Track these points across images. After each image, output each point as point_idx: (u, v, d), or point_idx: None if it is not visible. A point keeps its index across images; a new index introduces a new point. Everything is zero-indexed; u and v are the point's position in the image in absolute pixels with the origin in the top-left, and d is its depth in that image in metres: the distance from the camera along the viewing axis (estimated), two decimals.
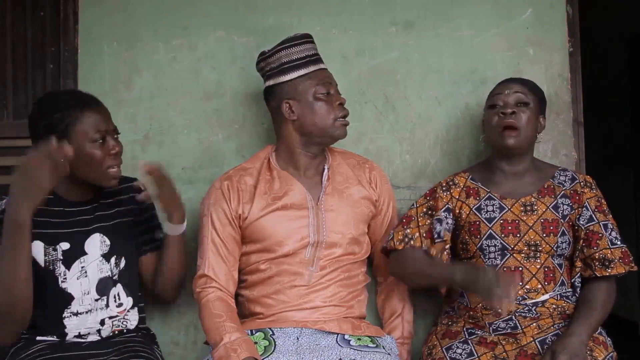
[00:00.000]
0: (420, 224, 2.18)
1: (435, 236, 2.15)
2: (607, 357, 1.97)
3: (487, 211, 2.12)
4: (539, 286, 2.06)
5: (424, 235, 2.16)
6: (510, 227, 2.09)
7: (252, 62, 2.26)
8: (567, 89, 2.45)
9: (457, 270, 2.00)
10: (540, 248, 2.07)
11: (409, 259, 2.14)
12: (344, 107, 2.15)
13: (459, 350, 2.01)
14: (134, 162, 2.44)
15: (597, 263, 2.07)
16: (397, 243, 2.17)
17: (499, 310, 1.91)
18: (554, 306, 2.06)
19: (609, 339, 2.06)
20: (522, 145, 2.11)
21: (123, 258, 2.09)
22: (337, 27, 2.46)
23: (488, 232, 2.10)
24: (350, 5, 2.46)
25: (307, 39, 2.17)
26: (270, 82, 2.17)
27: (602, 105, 4.65)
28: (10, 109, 2.50)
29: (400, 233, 2.18)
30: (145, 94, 2.46)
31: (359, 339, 2.05)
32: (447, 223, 2.16)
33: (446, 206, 2.18)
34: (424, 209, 2.20)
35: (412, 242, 2.15)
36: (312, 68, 2.13)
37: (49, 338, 2.00)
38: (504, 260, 2.08)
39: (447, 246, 2.18)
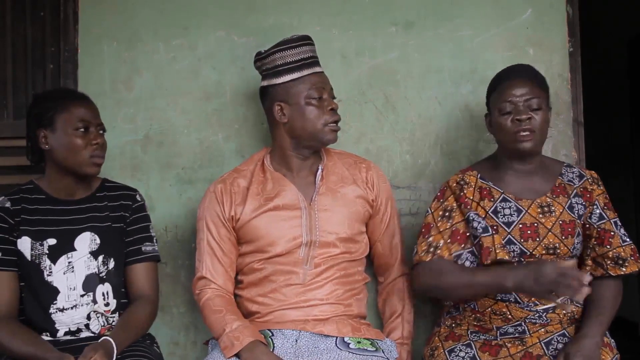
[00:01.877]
0: (441, 230, 2.07)
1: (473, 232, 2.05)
2: (613, 359, 1.96)
3: (504, 215, 2.04)
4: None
5: (449, 240, 2.06)
6: (529, 232, 2.02)
7: (252, 62, 2.26)
8: (567, 89, 2.45)
9: (509, 276, 1.88)
10: (558, 251, 2.02)
11: (446, 272, 2.01)
12: (335, 113, 2.14)
13: (461, 354, 1.99)
14: (134, 162, 2.44)
15: (609, 262, 2.03)
16: (423, 254, 2.07)
17: (564, 307, 1.85)
18: (563, 312, 2.03)
19: (612, 340, 2.05)
20: (538, 147, 2.06)
21: (112, 259, 2.11)
22: (337, 27, 2.46)
23: (507, 238, 2.02)
24: (350, 5, 2.46)
25: (304, 41, 2.16)
26: (265, 83, 2.18)
27: (602, 105, 4.65)
28: (10, 109, 2.50)
29: (423, 244, 2.08)
30: (145, 94, 2.46)
31: (359, 342, 2.05)
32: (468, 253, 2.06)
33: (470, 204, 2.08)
34: (440, 212, 2.10)
35: (438, 252, 2.05)
36: (305, 72, 2.12)
37: (43, 337, 2.02)
38: None
39: (469, 250, 2.06)
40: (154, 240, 2.19)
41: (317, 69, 2.16)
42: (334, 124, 2.14)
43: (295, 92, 2.12)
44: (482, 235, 2.02)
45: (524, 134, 2.00)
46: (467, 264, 2.04)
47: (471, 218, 2.05)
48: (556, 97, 2.41)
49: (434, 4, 2.46)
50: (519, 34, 2.45)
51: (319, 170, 2.20)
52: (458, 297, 2.09)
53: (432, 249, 2.07)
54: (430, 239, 2.08)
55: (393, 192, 2.32)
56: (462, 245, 2.05)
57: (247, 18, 2.46)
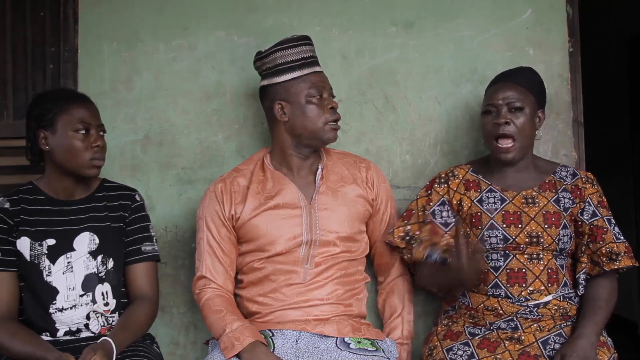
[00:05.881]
0: (420, 220, 2.18)
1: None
2: (610, 358, 1.97)
3: (489, 203, 2.12)
4: (542, 287, 2.05)
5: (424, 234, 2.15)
6: (512, 218, 2.08)
7: (252, 62, 2.26)
8: (567, 89, 2.45)
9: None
10: (542, 240, 2.06)
11: (426, 276, 2.15)
12: (335, 112, 2.15)
13: (459, 352, 2.01)
14: (134, 162, 2.44)
15: (604, 258, 2.06)
16: (398, 240, 2.18)
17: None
18: (555, 307, 2.06)
19: (609, 339, 2.07)
20: (518, 155, 2.11)
21: (111, 259, 2.11)
22: (337, 27, 2.46)
23: (489, 223, 2.09)
24: (350, 5, 2.47)
25: (304, 40, 2.17)
26: (265, 82, 2.18)
27: (602, 105, 4.65)
28: (10, 109, 2.50)
29: (401, 229, 2.19)
30: (145, 94, 2.46)
31: (359, 342, 2.05)
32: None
33: (441, 199, 2.18)
34: (424, 202, 2.21)
35: (413, 244, 2.14)
36: (306, 71, 2.13)
37: (43, 337, 2.03)
38: (507, 261, 2.07)
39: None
40: (154, 240, 2.19)
41: (317, 69, 2.17)
42: (334, 123, 2.15)
43: (295, 91, 2.12)
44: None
45: (504, 145, 2.08)
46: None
47: (435, 213, 2.17)
48: (556, 97, 2.42)
49: (434, 4, 2.46)
50: (519, 34, 2.45)
51: (319, 170, 2.20)
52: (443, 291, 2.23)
53: (407, 237, 2.17)
54: (409, 227, 2.18)
55: (393, 192, 2.32)
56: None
57: (247, 18, 2.47)
